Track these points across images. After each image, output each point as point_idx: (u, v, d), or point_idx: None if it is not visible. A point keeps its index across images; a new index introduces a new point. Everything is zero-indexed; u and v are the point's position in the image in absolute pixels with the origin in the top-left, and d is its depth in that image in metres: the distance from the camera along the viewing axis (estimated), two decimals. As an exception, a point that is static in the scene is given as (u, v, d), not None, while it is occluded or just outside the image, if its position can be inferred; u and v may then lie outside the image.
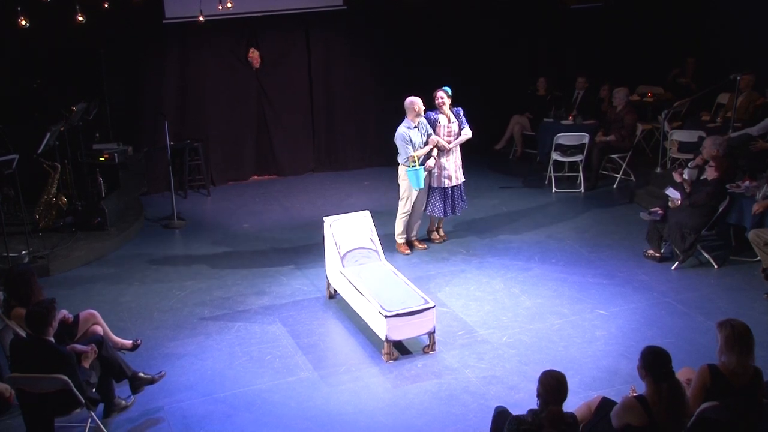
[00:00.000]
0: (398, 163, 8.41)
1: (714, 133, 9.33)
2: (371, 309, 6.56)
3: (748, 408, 4.47)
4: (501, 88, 12.15)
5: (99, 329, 6.06)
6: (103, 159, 9.73)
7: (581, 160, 10.64)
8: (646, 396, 4.34)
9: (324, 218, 7.48)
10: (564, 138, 10.56)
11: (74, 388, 5.07)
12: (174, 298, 7.77)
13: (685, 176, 8.21)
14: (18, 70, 9.88)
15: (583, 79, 11.70)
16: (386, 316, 6.32)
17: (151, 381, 5.95)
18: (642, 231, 8.59)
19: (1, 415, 5.75)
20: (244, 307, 7.54)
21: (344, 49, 11.56)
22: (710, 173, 7.88)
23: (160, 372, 6.06)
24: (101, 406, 5.71)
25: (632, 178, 10.88)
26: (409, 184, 8.29)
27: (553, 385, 4.29)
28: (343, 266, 7.25)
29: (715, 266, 8.06)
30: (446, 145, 8.33)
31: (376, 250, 7.45)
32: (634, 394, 4.54)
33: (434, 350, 6.57)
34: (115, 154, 9.77)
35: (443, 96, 8.36)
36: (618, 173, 10.89)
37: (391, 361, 6.44)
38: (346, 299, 7.23)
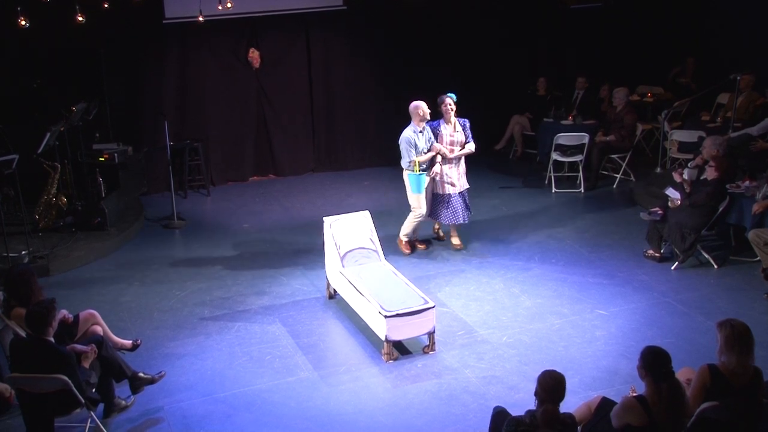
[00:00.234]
0: (402, 167, 8.33)
1: (714, 133, 9.33)
2: (371, 309, 6.56)
3: (748, 408, 4.47)
4: (501, 88, 12.15)
5: (99, 329, 6.06)
6: (103, 159, 9.74)
7: (581, 160, 10.64)
8: (646, 396, 4.34)
9: (324, 218, 7.48)
10: (564, 138, 10.56)
11: (74, 388, 5.07)
12: (174, 298, 7.77)
13: (685, 176, 8.21)
14: (18, 70, 9.88)
15: (583, 79, 11.70)
16: (386, 316, 6.32)
17: (151, 381, 5.95)
18: (642, 231, 8.58)
19: (1, 415, 5.75)
20: (244, 307, 7.54)
21: (344, 49, 11.57)
22: (710, 173, 7.88)
23: (160, 372, 6.06)
24: (101, 406, 5.71)
25: (632, 178, 10.88)
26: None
27: (550, 384, 4.29)
28: (343, 266, 7.25)
29: (715, 266, 8.07)
30: (447, 153, 8.24)
31: (376, 250, 7.45)
32: (634, 394, 4.54)
33: (434, 350, 6.57)
34: (115, 154, 9.78)
35: (450, 103, 8.22)
36: (618, 173, 10.89)
37: (390, 361, 6.44)
38: (346, 299, 7.23)
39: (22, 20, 7.78)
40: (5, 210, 8.77)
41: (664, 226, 8.07)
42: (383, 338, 6.41)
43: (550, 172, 10.77)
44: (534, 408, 4.36)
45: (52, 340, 5.21)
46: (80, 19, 8.34)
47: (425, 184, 8.22)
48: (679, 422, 4.34)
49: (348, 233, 7.40)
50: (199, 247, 9.12)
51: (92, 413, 5.37)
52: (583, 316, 7.13)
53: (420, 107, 8.12)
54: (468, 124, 8.40)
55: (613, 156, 10.92)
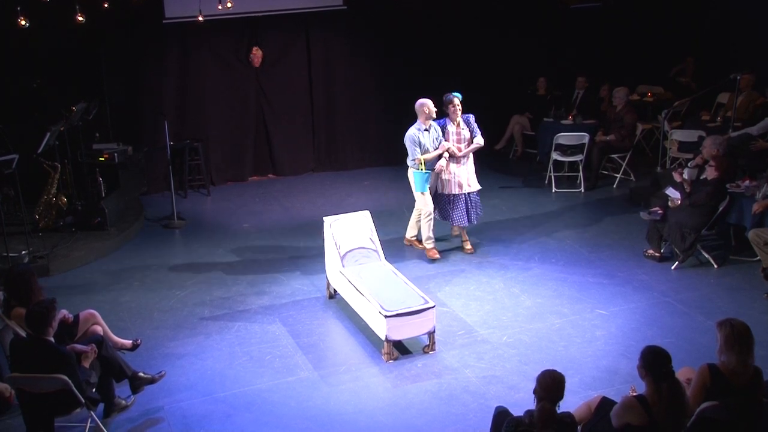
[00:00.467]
0: (408, 166, 8.28)
1: (714, 132, 9.33)
2: (371, 309, 6.56)
3: (748, 407, 4.47)
4: (501, 87, 12.14)
5: (99, 329, 6.06)
6: (103, 159, 9.73)
7: (581, 160, 10.65)
8: (646, 395, 4.34)
9: (324, 218, 7.48)
10: (564, 138, 10.57)
11: (74, 388, 5.07)
12: (174, 297, 7.77)
13: (685, 176, 8.21)
14: (18, 69, 9.88)
15: (583, 78, 11.70)
16: (386, 316, 6.32)
17: (151, 381, 5.95)
18: (642, 231, 8.59)
19: (1, 415, 5.75)
20: (243, 306, 7.54)
21: (344, 49, 11.57)
22: (710, 173, 7.88)
23: (160, 372, 6.06)
24: (101, 406, 5.71)
25: (632, 177, 10.88)
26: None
27: (548, 383, 4.30)
28: (343, 266, 7.25)
29: (715, 266, 8.07)
30: (456, 151, 8.19)
31: (376, 250, 7.45)
32: (634, 394, 4.54)
33: (434, 350, 6.57)
34: (115, 154, 9.77)
35: (458, 103, 8.16)
36: (618, 173, 10.89)
37: (391, 361, 6.44)
38: (346, 299, 7.23)
39: (21, 20, 7.78)
40: (5, 210, 8.77)
41: (664, 225, 8.07)
42: (383, 338, 6.41)
43: (550, 171, 10.77)
44: (533, 408, 4.36)
45: (52, 340, 5.21)
46: (80, 19, 8.35)
47: (430, 183, 8.17)
48: (679, 422, 4.34)
49: (348, 233, 7.40)
50: (199, 247, 9.12)
51: (92, 413, 5.37)
52: (583, 316, 7.13)
53: (426, 105, 8.08)
54: (472, 119, 8.34)
55: (613, 156, 10.93)
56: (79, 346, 5.59)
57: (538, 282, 7.85)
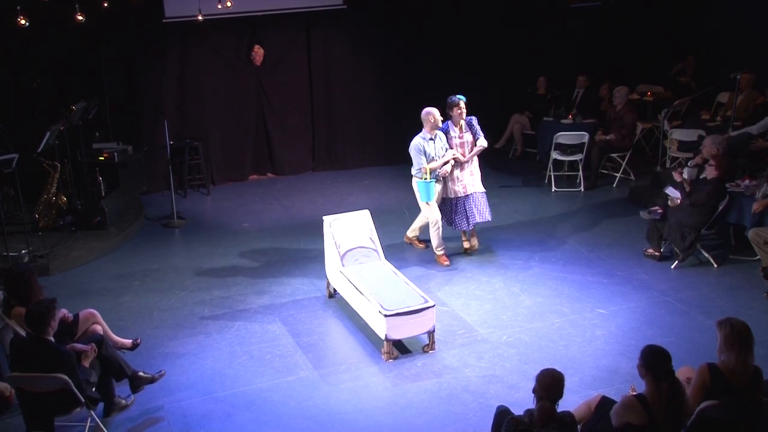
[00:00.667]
0: (412, 177, 8.18)
1: (714, 132, 9.34)
2: (371, 308, 6.56)
3: (748, 407, 4.47)
4: (501, 87, 12.15)
5: (99, 328, 6.06)
6: (102, 158, 9.73)
7: (581, 159, 10.65)
8: (646, 395, 4.34)
9: (324, 217, 7.48)
10: (564, 137, 10.57)
11: (74, 388, 5.07)
12: (174, 297, 7.77)
13: (685, 175, 8.21)
14: (18, 69, 9.88)
15: (583, 77, 11.70)
16: (386, 315, 6.32)
17: (151, 380, 5.95)
18: (642, 230, 8.59)
19: (1, 414, 5.75)
20: (243, 306, 7.54)
21: (344, 48, 11.57)
22: (710, 172, 7.88)
23: (160, 371, 6.06)
24: (101, 405, 5.71)
25: (632, 177, 10.88)
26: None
27: (547, 382, 4.30)
28: (343, 265, 7.25)
29: (715, 265, 8.07)
30: (461, 157, 8.09)
31: (375, 250, 7.45)
32: (634, 393, 4.54)
33: (434, 349, 6.57)
34: (115, 154, 9.77)
35: (464, 107, 8.07)
36: (618, 172, 10.89)
37: (390, 360, 6.44)
38: (345, 298, 7.23)
39: (21, 19, 7.78)
40: (5, 209, 8.77)
41: (663, 225, 8.07)
42: (383, 337, 6.42)
43: (549, 171, 10.77)
44: (533, 407, 4.36)
45: (52, 339, 5.21)
46: (80, 18, 8.36)
47: (435, 192, 8.06)
48: (679, 421, 4.35)
49: (348, 232, 7.40)
50: (199, 246, 9.12)
51: (92, 412, 5.37)
52: (583, 315, 7.13)
53: (432, 114, 7.90)
54: (474, 121, 8.25)
55: (612, 155, 10.93)
56: (79, 346, 5.59)
57: (538, 281, 7.86)
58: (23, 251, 8.35)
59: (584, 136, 10.51)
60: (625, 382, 5.81)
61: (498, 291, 7.67)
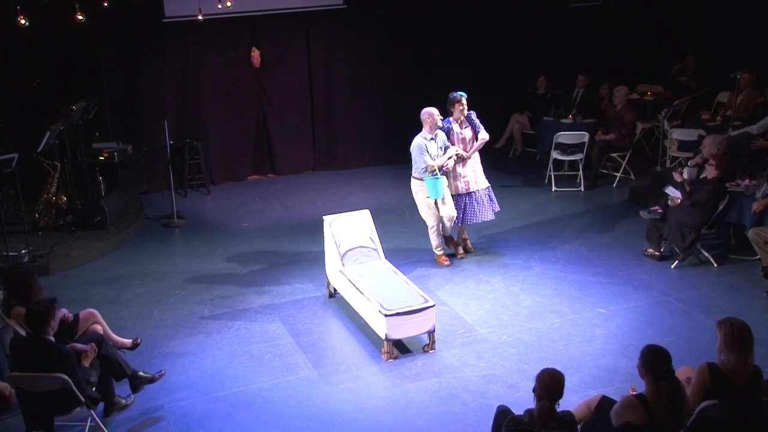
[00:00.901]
0: (412, 181, 8.08)
1: (714, 131, 9.34)
2: (371, 308, 6.56)
3: (748, 406, 4.47)
4: (501, 86, 12.15)
5: (99, 328, 6.06)
6: (102, 158, 9.73)
7: (581, 159, 10.65)
8: (646, 394, 4.34)
9: (324, 217, 7.48)
10: (564, 137, 10.57)
11: (74, 387, 5.07)
12: (174, 297, 7.77)
13: (685, 175, 8.21)
14: (18, 69, 9.88)
15: (583, 77, 11.70)
16: (386, 315, 6.32)
17: (151, 380, 5.95)
18: (642, 230, 8.59)
19: (1, 414, 5.75)
20: (243, 305, 7.54)
21: (344, 48, 11.57)
22: (710, 172, 7.88)
23: (160, 371, 6.06)
24: (101, 405, 5.71)
25: (632, 176, 10.89)
26: (424, 199, 8.01)
27: (547, 382, 4.30)
28: (343, 265, 7.25)
29: (715, 265, 8.07)
30: (464, 153, 8.04)
31: (375, 249, 7.45)
32: (634, 393, 4.54)
33: (434, 349, 6.57)
34: (115, 153, 9.77)
35: (465, 103, 8.02)
36: (618, 172, 10.89)
37: (390, 360, 6.44)
38: (345, 298, 7.23)
39: (21, 19, 7.79)
40: (5, 209, 8.77)
41: (663, 224, 8.07)
42: (383, 337, 6.42)
43: (550, 170, 10.77)
44: (533, 407, 4.36)
45: (52, 339, 5.21)
46: (80, 18, 8.36)
47: (443, 187, 7.94)
48: (678, 421, 4.35)
49: (348, 232, 7.40)
50: (198, 246, 9.12)
51: (92, 412, 5.37)
52: (583, 315, 7.13)
53: (432, 114, 7.85)
54: (473, 115, 8.22)
55: (613, 155, 10.93)
56: (79, 345, 5.59)
57: (538, 281, 7.85)
58: (23, 251, 8.35)
59: (584, 136, 10.51)
60: (625, 382, 5.81)
61: (498, 290, 7.67)
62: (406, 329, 6.44)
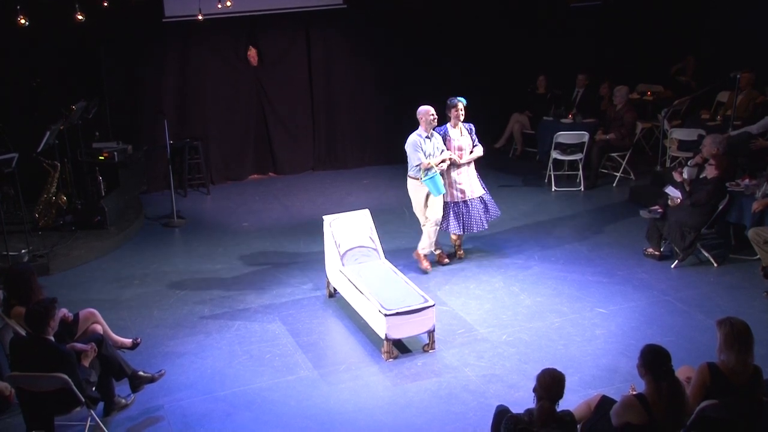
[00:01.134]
0: (408, 180, 8.04)
1: (714, 131, 9.34)
2: (371, 307, 6.56)
3: (748, 406, 4.47)
4: (501, 86, 12.15)
5: (99, 328, 6.06)
6: (102, 158, 9.73)
7: (581, 159, 10.65)
8: (646, 394, 4.34)
9: (324, 217, 7.48)
10: (564, 136, 10.57)
11: (74, 387, 5.07)
12: (173, 296, 7.77)
13: (685, 175, 8.21)
14: (18, 68, 9.88)
15: (583, 76, 11.70)
16: (386, 315, 6.32)
17: (151, 379, 5.95)
18: (642, 229, 8.59)
19: (1, 413, 5.75)
20: (243, 305, 7.54)
21: (344, 47, 11.57)
22: (710, 172, 7.88)
23: (160, 370, 6.06)
24: (101, 405, 5.71)
25: (632, 176, 10.88)
26: (419, 197, 7.99)
27: (547, 382, 4.30)
28: (343, 265, 7.25)
29: (715, 264, 8.07)
30: (458, 159, 8.02)
31: (375, 249, 7.45)
32: (634, 393, 4.54)
33: (434, 349, 6.57)
34: (115, 153, 9.77)
35: (462, 108, 8.00)
36: (618, 172, 10.89)
37: (390, 360, 6.44)
38: (345, 298, 7.23)
39: (21, 19, 7.79)
40: (5, 209, 8.77)
41: (663, 224, 8.07)
42: (383, 337, 6.42)
43: (549, 170, 10.77)
44: (533, 406, 4.37)
45: (52, 338, 5.21)
46: (80, 17, 8.36)
47: (442, 183, 7.86)
48: (678, 420, 4.35)
49: (348, 232, 7.40)
50: (198, 245, 9.12)
51: (92, 412, 5.37)
52: (582, 315, 7.13)
53: (429, 112, 7.84)
54: (473, 129, 8.20)
55: (612, 154, 10.93)
56: (79, 345, 5.59)
57: (538, 281, 7.85)
58: (23, 251, 8.34)
59: (584, 136, 10.51)
60: (625, 382, 5.81)
61: (498, 290, 7.67)
62: (406, 329, 6.44)
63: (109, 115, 10.48)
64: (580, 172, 10.69)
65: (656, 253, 8.24)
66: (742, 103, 10.14)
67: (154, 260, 8.69)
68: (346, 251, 7.32)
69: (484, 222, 8.29)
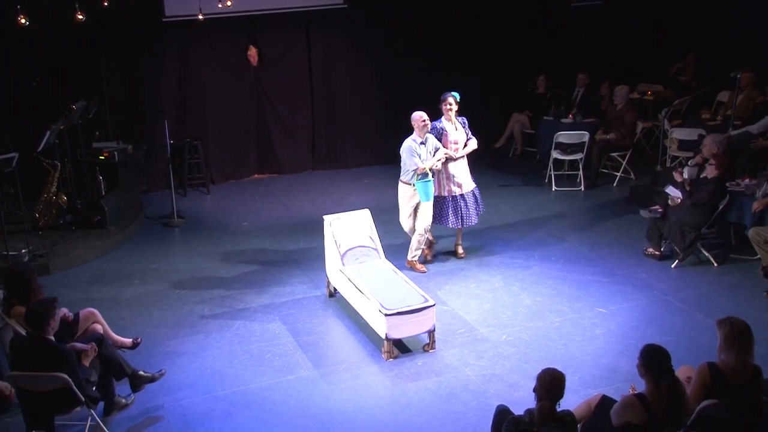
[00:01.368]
0: (399, 184, 8.02)
1: (714, 131, 9.33)
2: (371, 307, 6.56)
3: (748, 406, 4.47)
4: (501, 85, 12.15)
5: (99, 327, 6.06)
6: (102, 157, 9.73)
7: (581, 159, 10.65)
8: (646, 394, 4.34)
9: (324, 216, 7.48)
10: (564, 136, 10.57)
11: (74, 387, 5.07)
12: (174, 296, 7.77)
13: (685, 175, 8.21)
14: (18, 68, 9.88)
15: (583, 76, 11.70)
16: (386, 315, 6.32)
17: (151, 379, 5.95)
18: (642, 229, 8.58)
19: (1, 413, 5.75)
20: (243, 305, 7.54)
21: (344, 47, 11.56)
22: (710, 171, 7.88)
23: (160, 370, 6.06)
24: (101, 405, 5.71)
25: (632, 176, 10.88)
26: (407, 206, 7.99)
27: (548, 382, 4.30)
28: (343, 264, 7.25)
29: (715, 264, 8.07)
30: (454, 155, 8.05)
31: (375, 249, 7.45)
32: (634, 392, 4.54)
33: (434, 348, 6.57)
34: (115, 153, 9.78)
35: (452, 102, 8.05)
36: (618, 171, 10.89)
37: (390, 360, 6.44)
38: (345, 297, 7.23)
39: (21, 18, 7.79)
40: (5, 208, 8.77)
41: (664, 224, 8.07)
42: (383, 336, 6.42)
43: (550, 170, 10.77)
44: (533, 406, 4.36)
45: (53, 338, 5.21)
46: (80, 17, 8.35)
47: (433, 189, 7.90)
48: (678, 420, 4.34)
49: (348, 231, 7.40)
50: (198, 245, 9.12)
51: (92, 411, 5.37)
52: (582, 314, 7.13)
53: (421, 118, 7.84)
54: (467, 122, 8.28)
55: (613, 154, 10.92)
56: (79, 345, 5.59)
57: (538, 280, 7.85)
58: (23, 250, 8.34)
59: (584, 135, 10.51)
60: (625, 381, 5.81)
61: (498, 290, 7.67)
62: (406, 329, 6.44)
63: (109, 114, 10.48)
64: (581, 172, 10.68)
65: (656, 252, 8.24)
66: (742, 102, 10.14)
67: (154, 260, 8.69)
68: (347, 251, 7.32)
69: (476, 216, 8.34)
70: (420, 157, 7.83)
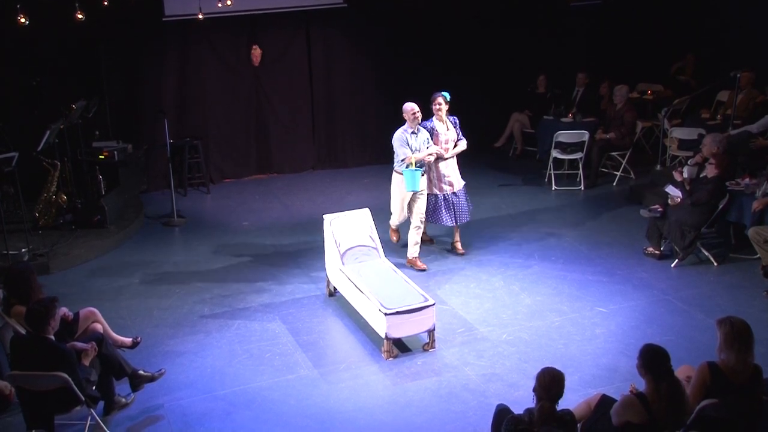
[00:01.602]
0: (392, 173, 8.11)
1: (714, 130, 9.34)
2: (371, 306, 6.56)
3: (748, 405, 4.47)
4: (501, 85, 12.14)
5: (99, 327, 6.06)
6: (102, 157, 9.73)
7: (581, 158, 10.65)
8: (646, 394, 4.34)
9: (324, 216, 7.48)
10: (564, 135, 10.57)
11: (74, 386, 5.07)
12: (174, 295, 7.77)
13: (685, 174, 8.21)
14: (18, 67, 9.88)
15: (583, 75, 11.69)
16: (386, 314, 6.32)
17: (151, 379, 5.95)
18: (642, 228, 8.58)
19: (1, 412, 5.75)
20: (243, 304, 7.54)
21: (344, 46, 11.57)
22: (710, 171, 7.88)
23: (160, 370, 6.07)
24: (101, 404, 5.71)
25: (632, 175, 10.88)
26: (399, 195, 8.05)
27: (548, 381, 4.30)
28: (343, 264, 7.25)
29: (715, 264, 8.07)
30: (444, 153, 8.11)
31: (375, 248, 7.45)
32: (634, 392, 4.54)
33: (434, 348, 6.57)
34: (115, 152, 9.77)
35: (441, 102, 8.12)
36: (618, 171, 10.89)
37: (390, 359, 6.44)
38: (345, 297, 7.23)
39: (21, 18, 7.78)
40: (5, 208, 8.76)
41: (664, 223, 8.07)
42: (383, 336, 6.42)
43: (550, 169, 10.77)
44: (533, 406, 4.37)
45: (53, 337, 5.22)
46: (80, 16, 8.35)
47: (420, 182, 7.96)
48: (678, 420, 4.35)
49: (348, 231, 7.40)
50: (198, 245, 9.12)
51: (92, 411, 5.37)
52: (582, 314, 7.13)
53: (412, 109, 7.93)
54: (458, 122, 8.32)
55: (613, 153, 10.92)
56: (79, 344, 5.59)
57: (538, 280, 7.86)
58: (23, 250, 8.34)
59: (584, 135, 10.51)
60: (624, 381, 5.80)
61: (498, 289, 7.67)
62: (406, 328, 6.44)
63: (109, 114, 10.48)
64: (581, 172, 10.69)
65: (656, 252, 8.24)
66: (742, 102, 10.15)
67: (154, 259, 8.69)
68: (347, 250, 7.32)
69: (468, 214, 8.39)
70: (411, 148, 7.91)
